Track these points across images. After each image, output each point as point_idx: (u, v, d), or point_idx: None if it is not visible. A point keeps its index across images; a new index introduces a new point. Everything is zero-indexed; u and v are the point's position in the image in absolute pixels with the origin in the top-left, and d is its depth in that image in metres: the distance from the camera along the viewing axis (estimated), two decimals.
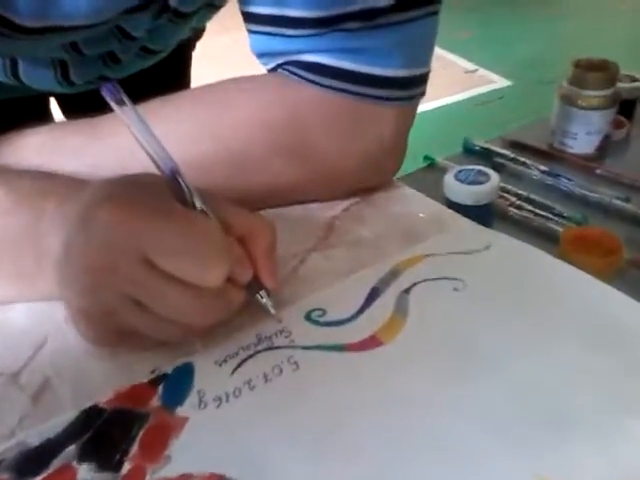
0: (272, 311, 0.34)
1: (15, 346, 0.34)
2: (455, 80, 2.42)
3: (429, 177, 0.56)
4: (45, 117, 0.68)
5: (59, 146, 0.41)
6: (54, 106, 0.68)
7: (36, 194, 0.35)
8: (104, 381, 0.31)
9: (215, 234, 0.30)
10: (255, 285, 0.33)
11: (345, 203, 0.45)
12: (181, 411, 0.29)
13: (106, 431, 0.28)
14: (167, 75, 0.65)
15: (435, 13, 0.41)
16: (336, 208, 0.44)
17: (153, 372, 0.31)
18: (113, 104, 0.30)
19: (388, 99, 0.41)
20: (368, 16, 0.39)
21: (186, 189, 0.32)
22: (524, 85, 2.36)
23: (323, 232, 0.42)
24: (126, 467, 0.27)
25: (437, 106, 2.21)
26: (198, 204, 0.32)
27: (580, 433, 0.28)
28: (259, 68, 0.45)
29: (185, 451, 0.27)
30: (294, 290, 0.37)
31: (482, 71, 2.54)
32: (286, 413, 0.29)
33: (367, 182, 0.45)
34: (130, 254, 0.29)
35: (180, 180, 0.32)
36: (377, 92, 0.41)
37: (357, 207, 0.45)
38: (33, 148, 0.41)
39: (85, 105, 0.57)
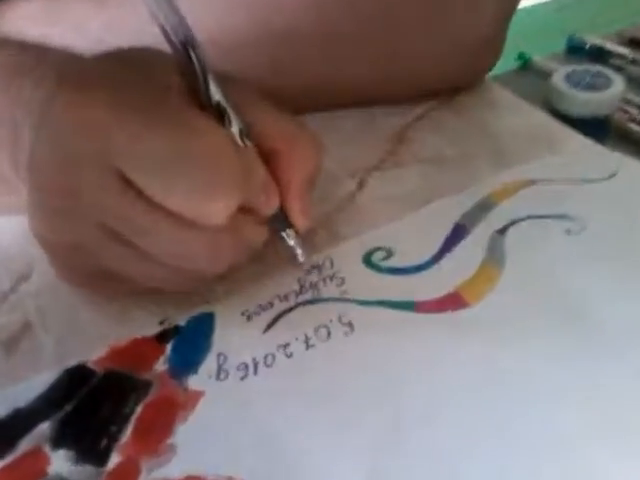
0: (300, 257, 0.25)
1: None
2: None
3: (523, 81, 0.45)
4: None
5: (59, 17, 0.33)
6: None
7: (13, 72, 0.26)
8: (98, 331, 0.24)
9: (223, 148, 0.21)
10: (281, 220, 0.24)
11: (420, 108, 0.35)
12: (194, 382, 0.22)
13: (92, 404, 0.21)
14: None
15: None
16: (408, 114, 0.35)
17: (162, 323, 0.24)
18: None
19: None
20: None
21: (199, 70, 0.22)
22: None
23: (391, 145, 0.33)
24: (114, 460, 0.20)
25: None
26: (216, 96, 0.22)
27: None
28: None
29: (195, 440, 0.20)
30: (350, 222, 0.28)
31: None
32: (334, 397, 0.21)
33: (456, 81, 0.35)
34: (99, 170, 0.20)
35: (193, 56, 0.22)
36: None
37: (436, 113, 0.35)
38: (29, 18, 0.32)
39: None
